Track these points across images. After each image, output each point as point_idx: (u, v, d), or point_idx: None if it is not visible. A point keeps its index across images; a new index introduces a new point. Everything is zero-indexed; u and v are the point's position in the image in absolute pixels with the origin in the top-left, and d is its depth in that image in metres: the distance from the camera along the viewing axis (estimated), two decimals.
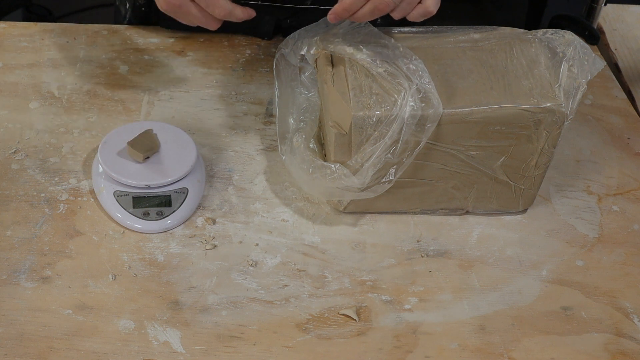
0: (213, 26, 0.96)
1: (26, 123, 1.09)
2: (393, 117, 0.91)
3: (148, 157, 1.00)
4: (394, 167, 0.93)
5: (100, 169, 0.99)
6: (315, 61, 1.02)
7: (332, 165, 0.94)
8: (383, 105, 0.92)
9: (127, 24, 1.27)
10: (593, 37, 1.35)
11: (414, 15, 0.92)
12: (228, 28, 1.25)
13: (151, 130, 1.01)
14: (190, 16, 0.94)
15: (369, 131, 0.92)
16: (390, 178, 0.94)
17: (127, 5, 1.27)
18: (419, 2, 0.92)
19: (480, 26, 1.03)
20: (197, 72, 1.20)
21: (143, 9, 1.25)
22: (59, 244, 0.94)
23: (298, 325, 0.89)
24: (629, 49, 1.35)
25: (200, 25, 0.96)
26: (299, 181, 0.99)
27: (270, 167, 1.06)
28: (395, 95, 0.91)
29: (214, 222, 0.99)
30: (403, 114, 0.90)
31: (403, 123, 0.90)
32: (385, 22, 1.18)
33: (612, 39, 1.37)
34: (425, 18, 0.93)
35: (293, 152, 0.98)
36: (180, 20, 0.96)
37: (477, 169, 0.98)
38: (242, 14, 0.95)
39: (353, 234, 0.99)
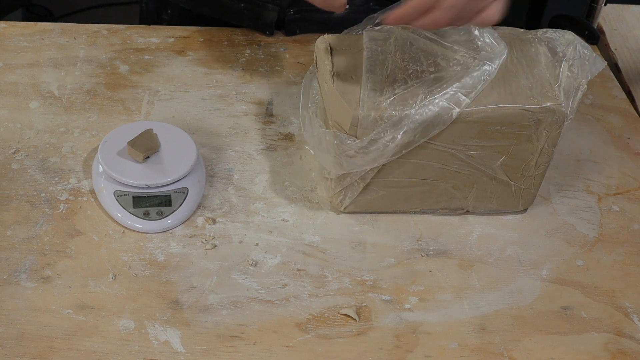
0: (336, 8, 0.90)
1: (26, 123, 1.09)
2: (398, 118, 0.90)
3: (148, 157, 1.00)
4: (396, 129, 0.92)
5: (101, 169, 0.99)
6: (315, 61, 1.02)
7: (334, 131, 0.93)
8: (397, 108, 0.91)
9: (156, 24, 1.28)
10: (593, 37, 1.35)
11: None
12: (228, 21, 1.25)
13: (151, 130, 1.02)
14: None
15: (371, 129, 0.92)
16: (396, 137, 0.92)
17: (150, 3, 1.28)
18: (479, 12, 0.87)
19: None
20: (197, 72, 1.20)
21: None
22: (59, 243, 0.94)
23: (298, 325, 0.89)
24: (629, 49, 1.35)
25: (325, 6, 0.91)
26: (312, 150, 1.00)
27: (270, 167, 1.06)
28: (413, 99, 0.91)
29: (214, 221, 0.99)
30: (414, 115, 0.90)
31: (414, 125, 0.90)
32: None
33: (612, 39, 1.37)
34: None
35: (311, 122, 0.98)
36: None
37: (477, 168, 0.98)
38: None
39: (353, 233, 0.99)
